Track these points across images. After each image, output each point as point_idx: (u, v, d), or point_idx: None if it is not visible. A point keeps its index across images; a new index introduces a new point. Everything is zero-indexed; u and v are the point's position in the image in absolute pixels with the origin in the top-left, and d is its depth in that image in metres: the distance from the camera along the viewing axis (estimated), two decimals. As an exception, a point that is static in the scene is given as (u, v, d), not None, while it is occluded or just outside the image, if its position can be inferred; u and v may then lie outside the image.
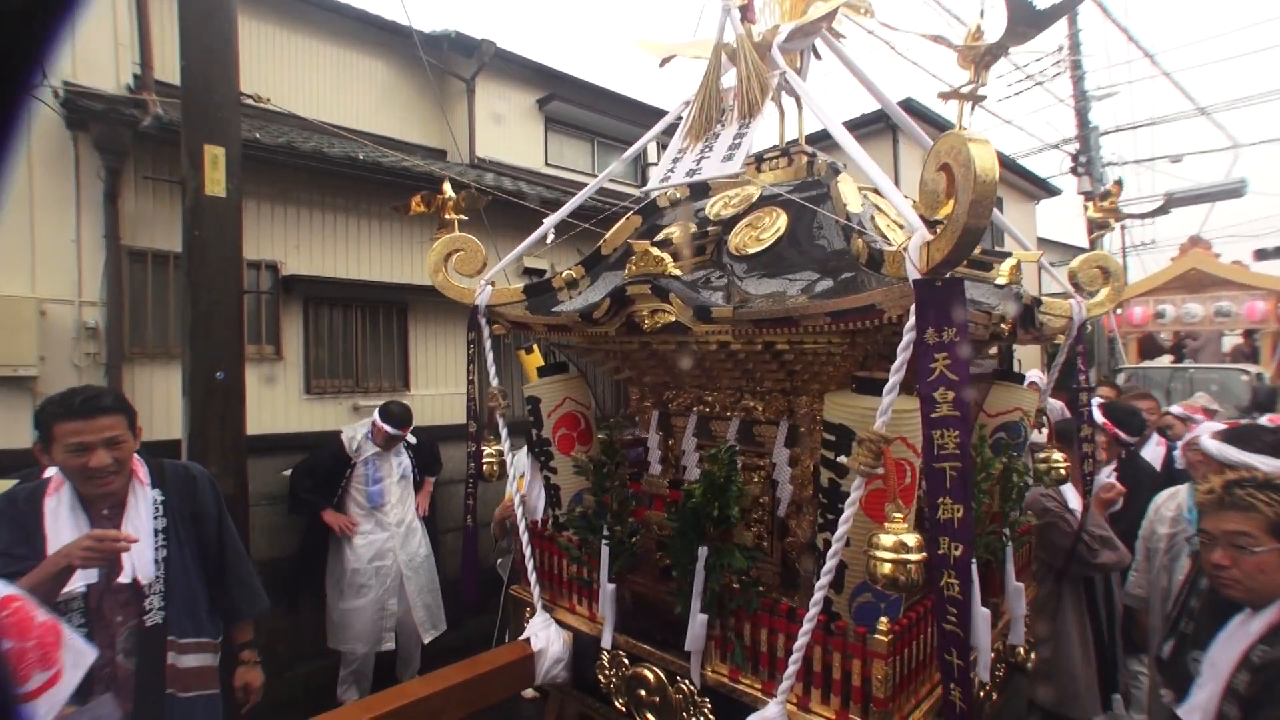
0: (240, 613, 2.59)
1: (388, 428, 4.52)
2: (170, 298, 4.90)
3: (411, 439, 4.77)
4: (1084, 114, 13.07)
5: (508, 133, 8.86)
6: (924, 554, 1.47)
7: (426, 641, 4.62)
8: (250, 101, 5.15)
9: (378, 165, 5.80)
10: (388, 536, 4.51)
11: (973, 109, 1.77)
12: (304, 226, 5.63)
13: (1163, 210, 12.47)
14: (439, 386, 6.36)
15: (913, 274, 1.46)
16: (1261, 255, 12.67)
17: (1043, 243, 16.87)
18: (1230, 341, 11.07)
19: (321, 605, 4.69)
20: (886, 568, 1.48)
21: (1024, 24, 1.44)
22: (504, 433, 2.44)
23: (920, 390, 1.43)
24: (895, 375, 1.50)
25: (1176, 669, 2.29)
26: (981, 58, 1.42)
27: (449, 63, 8.38)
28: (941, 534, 1.42)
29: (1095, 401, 3.72)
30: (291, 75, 7.34)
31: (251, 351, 5.05)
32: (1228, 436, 2.58)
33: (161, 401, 4.76)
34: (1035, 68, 12.76)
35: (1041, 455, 2.63)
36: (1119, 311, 10.29)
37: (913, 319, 1.46)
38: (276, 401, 5.36)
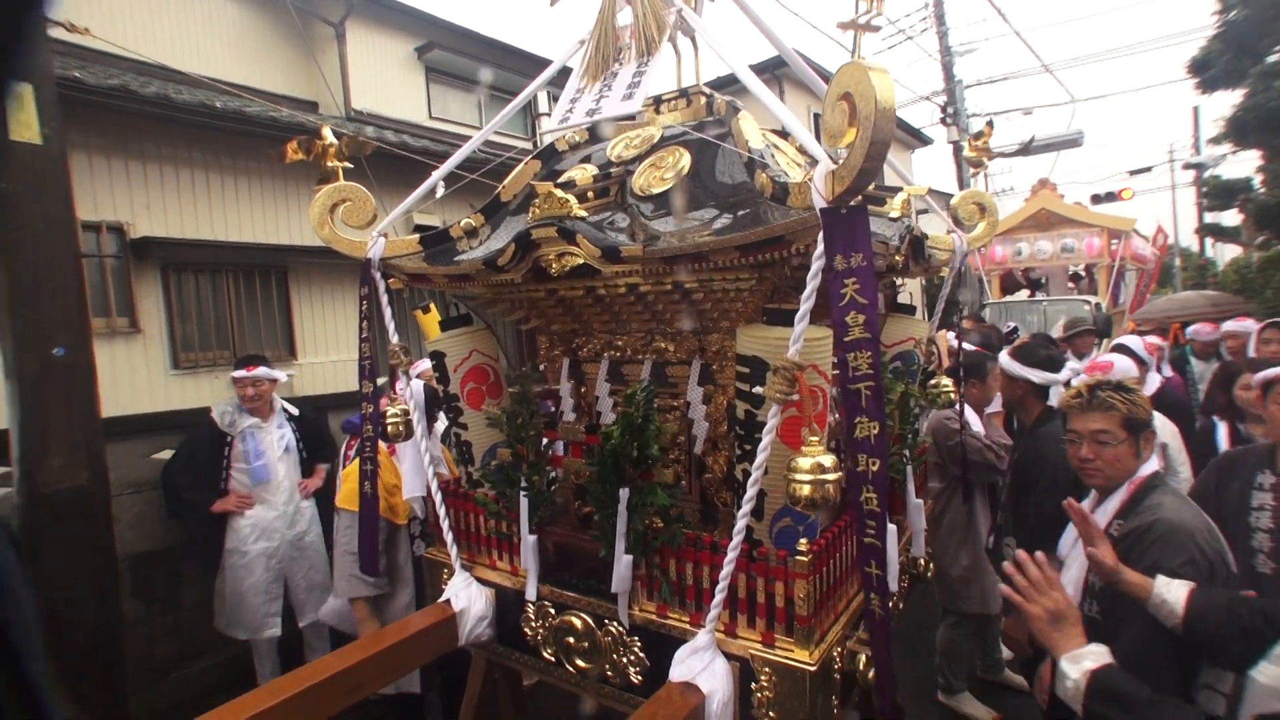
0: None
1: (237, 373, 4.15)
2: None
3: (292, 409, 4.43)
4: (949, 68, 13.87)
5: (386, 83, 8.31)
6: (840, 473, 1.54)
7: (302, 625, 4.24)
8: (63, 31, 4.31)
9: (241, 114, 5.26)
10: (275, 516, 4.18)
11: (860, 38, 1.81)
12: (154, 183, 5.06)
13: (1025, 149, 13.55)
14: (329, 353, 6.01)
15: (819, 203, 1.48)
16: (1096, 199, 14.27)
17: None
18: (1071, 275, 12.29)
19: (209, 598, 4.35)
20: (806, 489, 1.53)
21: None
22: (405, 390, 2.33)
23: (833, 315, 1.47)
24: (806, 304, 1.53)
25: (995, 553, 2.98)
26: (879, -15, 1.46)
27: (313, 4, 7.69)
28: (859, 451, 1.48)
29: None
30: (125, 12, 6.45)
31: (100, 325, 4.53)
32: (1013, 353, 2.94)
33: None
34: (905, 23, 13.45)
35: (932, 382, 2.80)
36: (982, 250, 11.09)
37: (821, 247, 1.49)
38: (138, 379, 4.89)
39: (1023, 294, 11.72)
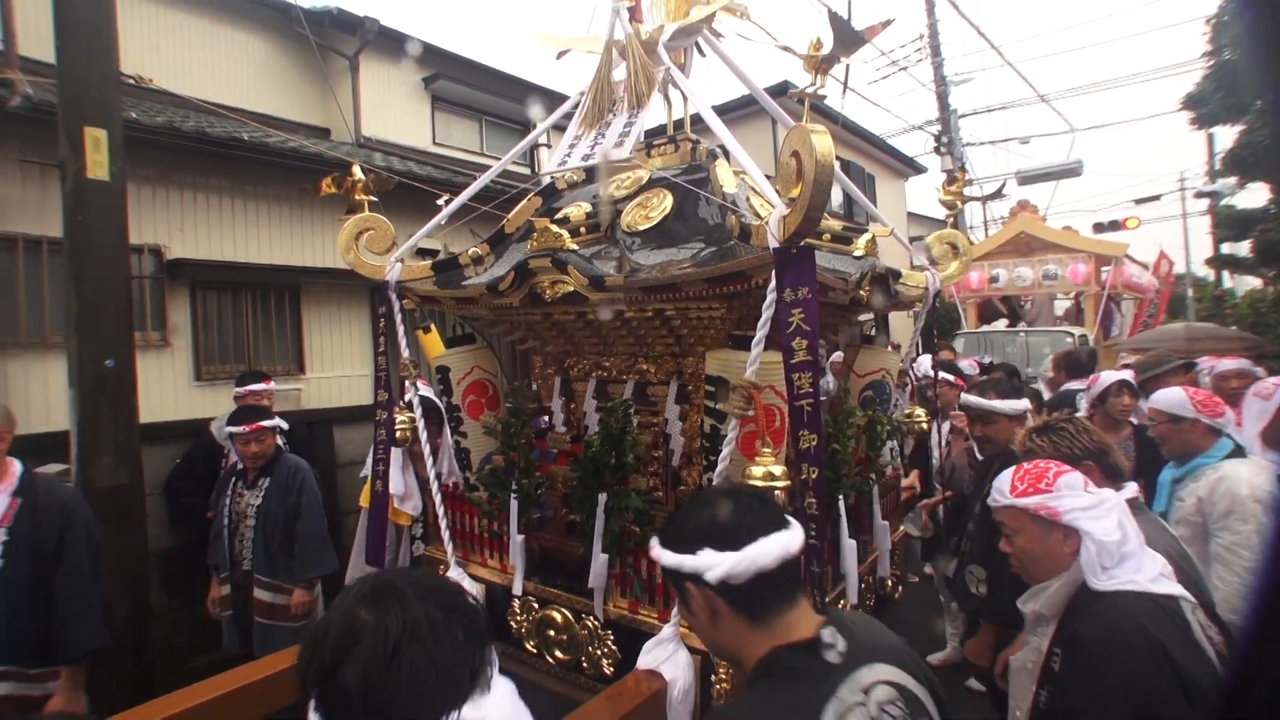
0: None
1: (243, 388, 4.21)
2: (44, 285, 4.64)
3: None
4: (944, 98, 14.22)
5: (394, 112, 8.71)
6: (789, 481, 1.74)
7: None
8: (131, 82, 4.91)
9: (264, 145, 5.65)
10: None
11: (822, 101, 2.05)
12: (188, 209, 5.44)
13: (998, 194, 13.63)
14: (335, 369, 6.27)
15: (773, 243, 1.71)
16: (1098, 228, 13.83)
17: (913, 218, 18.25)
18: (1062, 305, 11.56)
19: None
20: (757, 495, 1.73)
21: (846, 42, 1.74)
22: (414, 400, 2.57)
23: (781, 341, 1.69)
24: (761, 330, 1.76)
25: (958, 582, 2.84)
26: (820, 64, 1.69)
27: (331, 40, 8.16)
28: (802, 460, 1.69)
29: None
30: (164, 51, 6.97)
31: (138, 339, 4.86)
32: (974, 388, 3.03)
33: (39, 393, 4.52)
34: (900, 54, 13.84)
35: (906, 411, 2.99)
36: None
37: (774, 281, 1.72)
38: (165, 389, 5.18)
39: (1001, 323, 11.13)
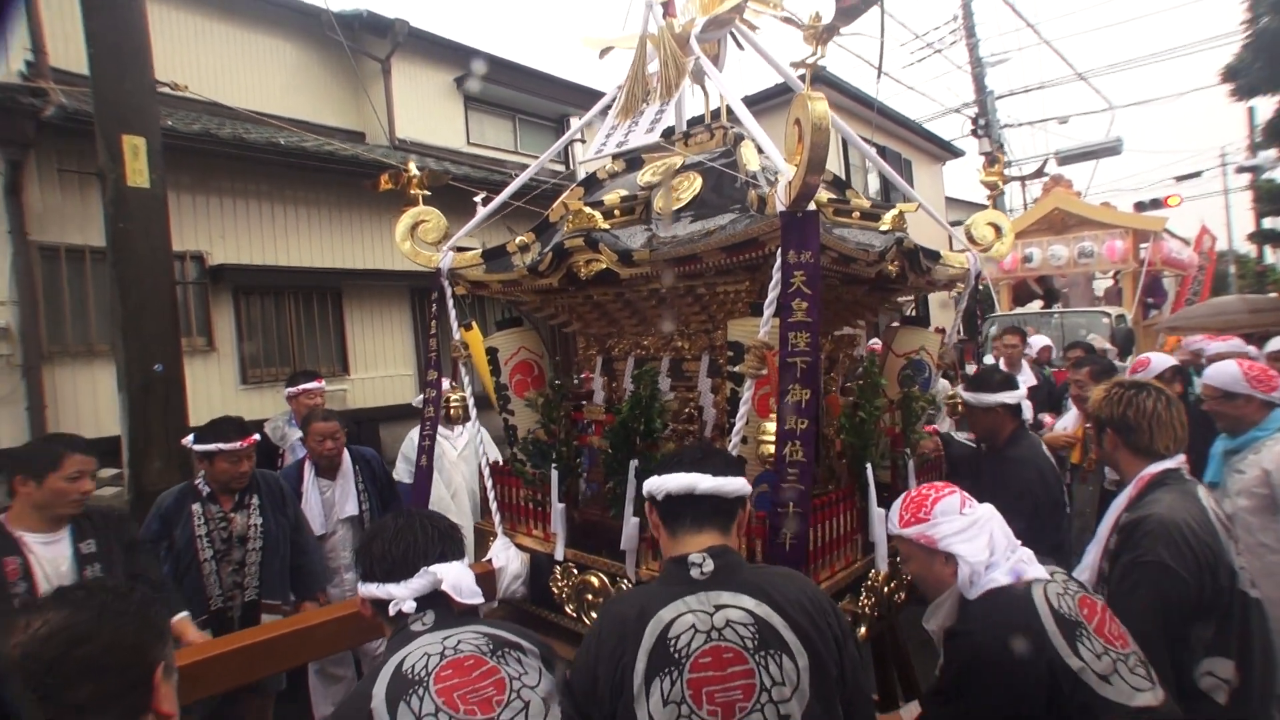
0: None
1: (295, 388, 4.16)
2: (90, 293, 4.75)
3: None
4: (980, 79, 13.82)
5: (428, 113, 8.74)
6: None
7: None
8: (168, 90, 4.89)
9: (301, 150, 5.80)
10: None
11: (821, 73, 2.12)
12: (227, 215, 5.60)
13: (1039, 174, 13.00)
14: (379, 369, 6.39)
15: (780, 208, 1.80)
16: (1140, 207, 13.07)
17: (950, 202, 17.65)
18: (1102, 285, 10.92)
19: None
20: (771, 448, 1.82)
21: (843, 14, 1.82)
22: (465, 379, 2.76)
23: (780, 299, 1.76)
24: (773, 292, 1.84)
25: None
26: (820, 35, 1.77)
27: (362, 43, 8.21)
28: (791, 413, 1.75)
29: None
30: (197, 59, 7.00)
31: (184, 345, 5.09)
32: (974, 387, 2.96)
33: (88, 400, 4.66)
34: (934, 36, 13.64)
35: (949, 393, 2.98)
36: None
37: (780, 244, 1.80)
38: (212, 393, 5.37)
39: (1035, 305, 10.54)
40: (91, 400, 4.70)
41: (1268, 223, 16.35)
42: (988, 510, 1.76)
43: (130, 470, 3.58)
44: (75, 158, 4.60)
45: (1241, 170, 17.84)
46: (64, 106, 4.43)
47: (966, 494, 1.80)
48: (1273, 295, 9.93)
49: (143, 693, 1.03)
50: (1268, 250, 18.84)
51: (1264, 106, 12.75)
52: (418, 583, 1.47)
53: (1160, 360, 3.49)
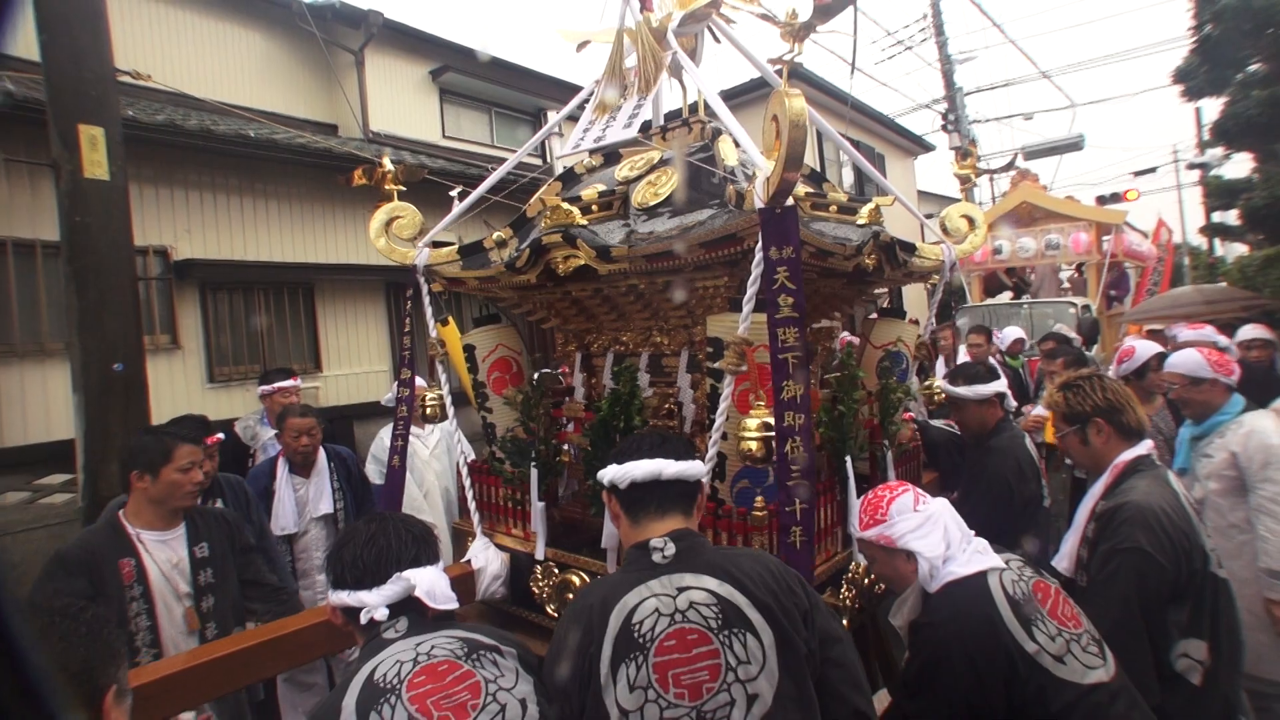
0: None
1: (269, 386, 4.08)
2: (41, 289, 4.53)
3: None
4: (949, 76, 14.38)
5: (402, 106, 8.61)
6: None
7: None
8: (129, 79, 4.68)
9: (272, 143, 5.64)
10: None
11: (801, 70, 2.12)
12: (194, 209, 5.44)
13: (1010, 167, 13.56)
14: (353, 366, 6.28)
15: (759, 204, 1.79)
16: (1101, 201, 13.75)
17: (923, 195, 18.20)
18: (1068, 276, 11.36)
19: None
20: (753, 444, 1.82)
21: (820, 13, 1.82)
22: (442, 377, 2.73)
23: (766, 296, 1.76)
24: (752, 288, 1.84)
25: None
26: (797, 32, 1.77)
27: (335, 34, 8.03)
28: (786, 409, 1.75)
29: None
30: (160, 48, 6.74)
31: (146, 342, 4.85)
32: (959, 380, 3.06)
33: (37, 401, 4.45)
34: (905, 33, 14.26)
35: (926, 384, 3.01)
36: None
37: (760, 241, 1.79)
38: (177, 392, 5.20)
39: (1005, 296, 10.82)
40: (41, 401, 4.52)
41: (1217, 216, 17.24)
42: (940, 504, 1.82)
43: (85, 476, 3.40)
44: (24, 147, 4.42)
45: (1192, 167, 19.14)
46: (11, 94, 4.27)
47: (920, 490, 1.86)
48: (1224, 285, 10.36)
49: (92, 717, 0.99)
50: (1218, 243, 19.78)
51: (1211, 107, 13.84)
52: (390, 589, 1.44)
53: (1146, 347, 3.55)
